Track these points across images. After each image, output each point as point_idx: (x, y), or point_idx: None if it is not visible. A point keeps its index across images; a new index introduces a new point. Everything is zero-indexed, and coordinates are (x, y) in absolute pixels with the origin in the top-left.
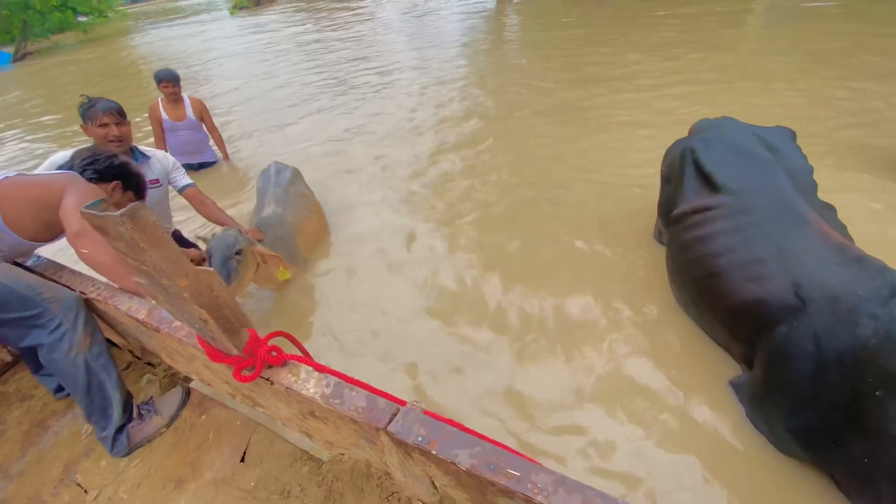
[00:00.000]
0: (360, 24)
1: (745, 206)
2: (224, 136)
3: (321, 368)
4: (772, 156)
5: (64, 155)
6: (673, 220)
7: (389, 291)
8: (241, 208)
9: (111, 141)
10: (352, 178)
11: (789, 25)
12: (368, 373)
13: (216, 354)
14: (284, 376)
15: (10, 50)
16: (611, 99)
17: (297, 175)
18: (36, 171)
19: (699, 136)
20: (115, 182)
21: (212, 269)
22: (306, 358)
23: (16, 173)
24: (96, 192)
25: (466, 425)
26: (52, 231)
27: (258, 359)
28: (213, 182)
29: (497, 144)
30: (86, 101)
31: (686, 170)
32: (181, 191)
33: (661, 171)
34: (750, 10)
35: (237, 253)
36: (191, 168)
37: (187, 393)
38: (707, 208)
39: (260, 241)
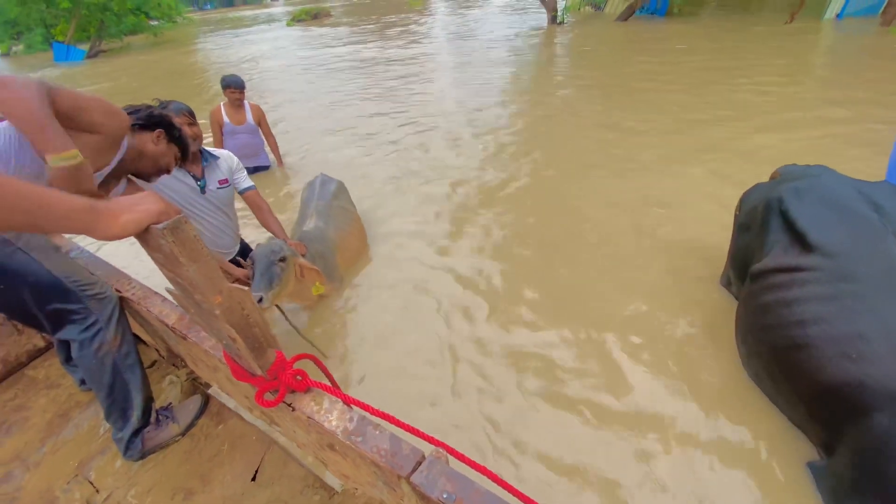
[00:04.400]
0: (411, 44)
1: (845, 272)
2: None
3: (346, 399)
4: (877, 216)
5: None
6: (752, 276)
7: (428, 322)
8: (288, 216)
9: None
10: (395, 200)
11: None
12: (394, 408)
13: (240, 373)
14: (307, 404)
15: (84, 47)
16: (661, 135)
17: (341, 188)
18: None
19: (790, 184)
20: (158, 130)
21: (246, 288)
22: (331, 386)
23: None
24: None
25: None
26: (95, 163)
27: (282, 383)
28: (266, 186)
29: (553, 176)
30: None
31: (772, 221)
32: (241, 192)
33: (736, 215)
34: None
35: (281, 260)
36: (246, 171)
37: (206, 401)
38: (797, 269)
39: (303, 255)
